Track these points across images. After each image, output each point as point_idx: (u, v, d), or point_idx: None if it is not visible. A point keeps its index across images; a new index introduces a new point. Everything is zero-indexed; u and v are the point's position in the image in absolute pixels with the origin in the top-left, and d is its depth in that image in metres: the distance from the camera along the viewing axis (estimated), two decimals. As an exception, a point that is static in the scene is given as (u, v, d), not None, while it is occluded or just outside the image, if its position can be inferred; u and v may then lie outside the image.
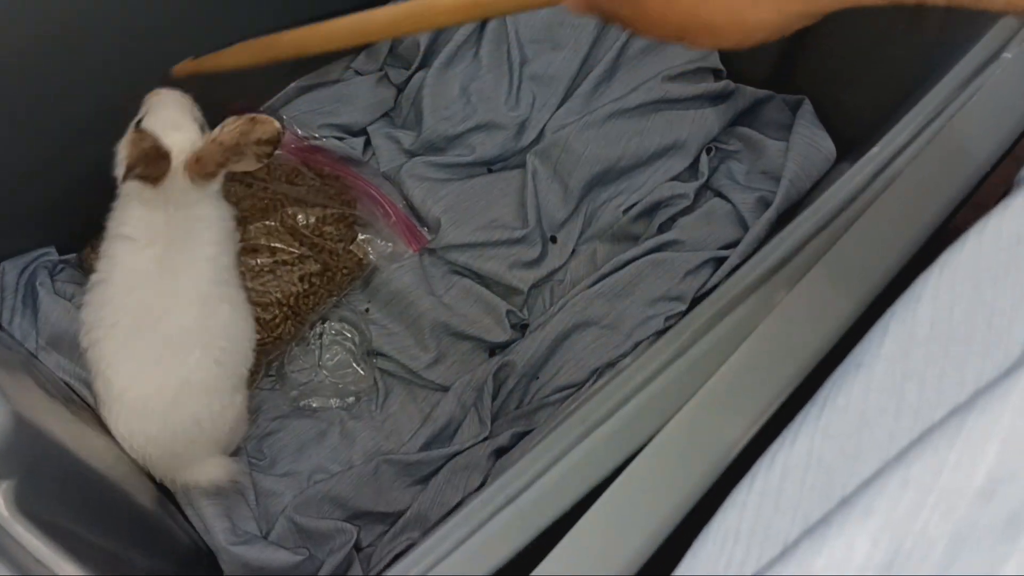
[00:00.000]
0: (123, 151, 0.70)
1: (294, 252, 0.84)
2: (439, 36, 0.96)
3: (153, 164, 0.68)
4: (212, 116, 0.87)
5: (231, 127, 0.68)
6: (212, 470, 0.75)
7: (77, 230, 0.84)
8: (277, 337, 0.82)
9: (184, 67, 0.66)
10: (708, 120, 0.95)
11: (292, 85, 0.96)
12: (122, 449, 0.71)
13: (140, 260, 0.71)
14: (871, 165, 0.56)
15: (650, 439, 0.41)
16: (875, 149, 0.57)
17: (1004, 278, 0.38)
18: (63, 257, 0.85)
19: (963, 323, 0.37)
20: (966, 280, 0.38)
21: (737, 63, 0.97)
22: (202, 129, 0.72)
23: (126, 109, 0.72)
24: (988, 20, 0.61)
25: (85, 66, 0.75)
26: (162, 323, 0.70)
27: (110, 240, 0.72)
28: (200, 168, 0.69)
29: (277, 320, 0.82)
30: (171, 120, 0.70)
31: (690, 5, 0.42)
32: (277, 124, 0.68)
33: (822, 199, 0.55)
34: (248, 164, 0.70)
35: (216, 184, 0.73)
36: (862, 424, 0.37)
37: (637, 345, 0.87)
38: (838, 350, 0.44)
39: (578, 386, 0.86)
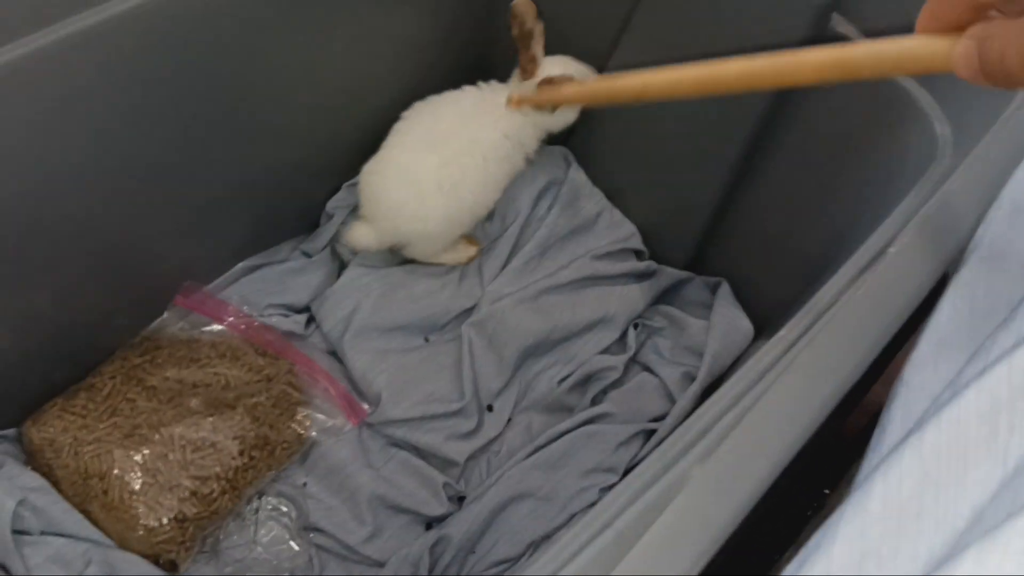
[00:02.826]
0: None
1: (235, 426, 0.85)
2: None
3: (525, 22, 0.88)
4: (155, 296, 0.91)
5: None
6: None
7: (17, 406, 0.85)
8: (214, 512, 0.82)
9: (523, 97, 0.71)
10: (634, 296, 1.01)
11: (239, 265, 0.99)
12: None
13: (465, 108, 0.95)
14: (780, 345, 0.61)
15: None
16: (783, 331, 0.62)
17: (947, 455, 0.41)
18: (1, 432, 0.85)
19: (912, 499, 0.40)
20: (912, 458, 0.42)
21: (659, 247, 1.05)
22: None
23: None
24: (880, 218, 0.68)
25: (43, 252, 0.79)
26: (440, 136, 0.94)
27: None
28: (544, 91, 0.87)
29: (215, 494, 0.82)
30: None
31: None
32: None
33: (735, 378, 0.59)
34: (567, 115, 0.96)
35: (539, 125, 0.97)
36: None
37: (572, 517, 0.89)
38: (748, 521, 0.47)
39: (514, 560, 0.86)
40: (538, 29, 0.90)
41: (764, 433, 0.50)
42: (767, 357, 0.60)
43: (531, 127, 0.96)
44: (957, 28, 0.43)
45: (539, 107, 0.92)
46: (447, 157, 0.93)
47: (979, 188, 0.64)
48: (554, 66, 0.93)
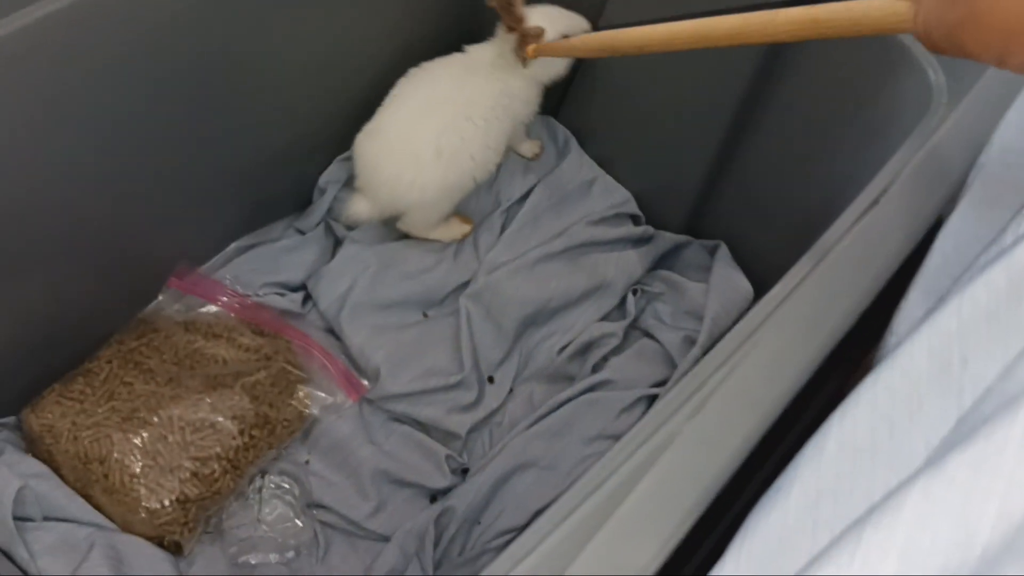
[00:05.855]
0: None
1: (234, 406, 0.85)
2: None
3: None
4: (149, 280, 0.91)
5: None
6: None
7: (16, 394, 0.85)
8: (216, 492, 0.82)
9: (539, 48, 0.71)
10: (631, 262, 1.00)
11: (232, 245, 0.99)
12: None
13: (457, 72, 0.94)
14: (773, 301, 0.60)
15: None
16: (776, 288, 0.62)
17: (899, 393, 0.41)
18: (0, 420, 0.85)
19: (866, 437, 0.40)
20: (864, 400, 0.41)
21: (656, 211, 1.04)
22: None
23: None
24: (875, 170, 0.67)
25: (35, 242, 0.78)
26: (437, 101, 0.93)
27: None
28: (558, 44, 0.87)
29: (216, 474, 0.82)
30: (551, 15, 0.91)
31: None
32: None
33: (728, 336, 0.58)
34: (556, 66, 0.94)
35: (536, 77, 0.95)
36: (782, 545, 0.39)
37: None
38: (738, 477, 0.46)
39: (519, 530, 0.86)
40: None
41: (753, 387, 0.49)
42: (759, 314, 0.60)
43: (522, 79, 0.94)
44: None
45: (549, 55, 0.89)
46: (446, 122, 0.91)
47: (972, 134, 0.63)
48: (541, 17, 0.90)
